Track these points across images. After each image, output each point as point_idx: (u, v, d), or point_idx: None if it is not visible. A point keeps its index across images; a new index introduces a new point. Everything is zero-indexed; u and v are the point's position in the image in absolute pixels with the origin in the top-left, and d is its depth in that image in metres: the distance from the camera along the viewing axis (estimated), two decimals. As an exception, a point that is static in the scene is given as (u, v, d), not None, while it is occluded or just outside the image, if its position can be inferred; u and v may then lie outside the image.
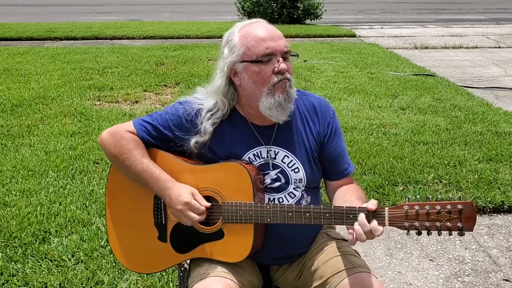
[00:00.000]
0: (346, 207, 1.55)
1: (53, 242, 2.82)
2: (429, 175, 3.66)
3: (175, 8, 19.24)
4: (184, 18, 15.40)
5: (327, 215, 1.56)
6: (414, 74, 7.04)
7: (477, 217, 3.25)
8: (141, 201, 1.74)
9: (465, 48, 10.00)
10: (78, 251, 2.72)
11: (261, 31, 1.64)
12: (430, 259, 2.84)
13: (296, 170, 1.74)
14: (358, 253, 1.82)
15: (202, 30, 11.56)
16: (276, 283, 1.86)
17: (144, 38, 10.88)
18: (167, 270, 2.52)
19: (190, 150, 1.73)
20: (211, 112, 1.71)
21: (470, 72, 7.74)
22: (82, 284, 2.48)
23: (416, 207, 1.46)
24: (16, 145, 4.27)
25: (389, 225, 1.49)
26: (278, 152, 1.74)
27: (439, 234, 1.48)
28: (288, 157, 1.74)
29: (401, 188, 3.46)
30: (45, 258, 2.68)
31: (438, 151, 4.09)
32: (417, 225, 1.45)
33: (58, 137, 4.42)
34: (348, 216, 1.54)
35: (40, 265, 2.61)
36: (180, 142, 1.73)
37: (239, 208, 1.62)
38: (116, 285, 2.46)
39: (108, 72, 7.15)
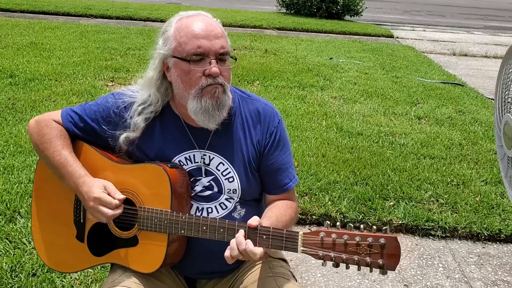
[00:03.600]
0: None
1: (18, 223, 2.78)
2: (426, 192, 3.42)
3: (218, -6, 19.13)
4: (224, 5, 15.32)
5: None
6: (442, 82, 6.69)
7: (469, 244, 3.05)
8: (63, 197, 1.64)
9: (507, 58, 9.47)
10: (39, 235, 2.67)
11: (197, 27, 1.48)
12: (405, 284, 2.64)
13: (231, 179, 1.60)
14: (293, 276, 1.67)
15: (236, 19, 11.44)
16: (204, 297, 1.73)
17: (178, 22, 10.84)
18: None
19: (119, 146, 1.61)
20: (143, 106, 1.58)
21: (505, 84, 7.30)
22: (33, 270, 2.42)
23: (333, 235, 1.29)
24: (16, 119, 4.29)
25: (302, 252, 1.33)
26: (213, 158, 1.60)
27: (359, 269, 1.31)
28: (223, 164, 1.60)
29: (391, 203, 3.25)
30: (6, 238, 2.64)
31: (443, 168, 3.84)
32: (333, 256, 1.29)
33: (58, 115, 4.40)
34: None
35: (-2, 245, 2.58)
36: (107, 136, 1.61)
37: (154, 215, 1.49)
38: (65, 276, 2.39)
39: (129, 54, 7.14)
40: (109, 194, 1.50)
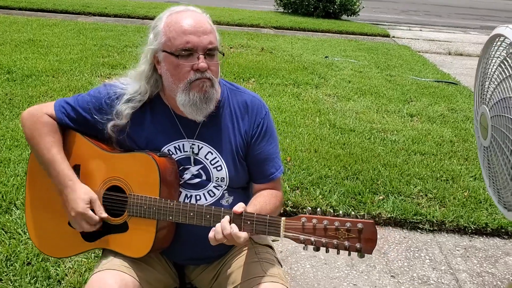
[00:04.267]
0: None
1: (14, 214, 2.83)
2: (415, 187, 3.49)
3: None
4: (222, 3, 15.35)
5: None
6: (435, 81, 6.76)
7: (456, 237, 3.11)
8: (56, 184, 1.70)
9: (502, 58, 9.53)
10: (35, 226, 2.72)
11: (186, 23, 1.54)
12: (392, 275, 2.70)
13: (219, 168, 1.66)
14: (278, 261, 1.73)
15: (233, 18, 11.49)
16: (193, 282, 1.80)
17: (175, 20, 10.88)
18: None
19: (108, 134, 1.68)
20: (132, 96, 1.65)
21: (499, 83, 7.36)
22: (28, 259, 2.48)
23: (314, 221, 1.36)
24: (13, 114, 4.34)
25: (284, 236, 1.39)
26: (202, 147, 1.66)
27: (338, 253, 1.37)
28: (212, 153, 1.66)
29: (380, 197, 3.31)
30: (2, 229, 2.70)
31: (433, 163, 3.90)
32: (313, 240, 1.35)
33: (55, 111, 4.45)
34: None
35: (-6, 236, 2.63)
36: (99, 126, 1.67)
37: (144, 202, 1.56)
38: (59, 264, 2.45)
39: (126, 51, 7.20)
40: (92, 210, 1.58)
